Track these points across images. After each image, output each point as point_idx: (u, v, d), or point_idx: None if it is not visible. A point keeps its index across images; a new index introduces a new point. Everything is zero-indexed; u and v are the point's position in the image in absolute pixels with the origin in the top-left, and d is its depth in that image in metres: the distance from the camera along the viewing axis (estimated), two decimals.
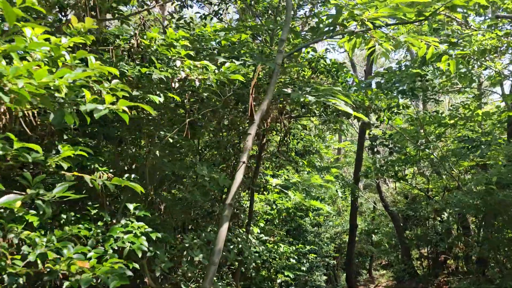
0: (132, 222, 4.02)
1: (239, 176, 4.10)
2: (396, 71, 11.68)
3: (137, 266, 3.70)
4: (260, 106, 4.37)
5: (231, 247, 5.19)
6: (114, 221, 4.15)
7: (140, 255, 3.66)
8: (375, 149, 13.01)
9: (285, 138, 7.20)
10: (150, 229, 4.10)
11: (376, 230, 22.70)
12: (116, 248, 3.66)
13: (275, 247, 7.78)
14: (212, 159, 7.56)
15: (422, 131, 13.72)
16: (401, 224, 19.62)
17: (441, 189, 18.27)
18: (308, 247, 8.35)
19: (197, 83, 3.96)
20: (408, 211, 18.83)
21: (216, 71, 4.02)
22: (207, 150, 7.55)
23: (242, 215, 7.20)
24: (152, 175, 5.05)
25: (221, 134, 6.53)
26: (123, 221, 4.04)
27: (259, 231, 7.00)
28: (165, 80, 3.95)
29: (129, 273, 3.47)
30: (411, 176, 17.91)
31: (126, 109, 2.37)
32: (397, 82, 11.64)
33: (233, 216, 6.99)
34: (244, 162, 4.16)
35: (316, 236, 17.44)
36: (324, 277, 18.40)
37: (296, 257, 8.63)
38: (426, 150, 13.28)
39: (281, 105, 6.44)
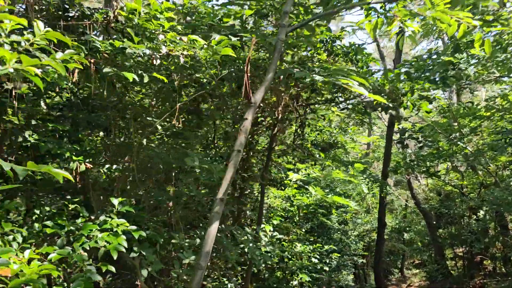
0: (112, 218, 3.51)
1: (232, 167, 3.51)
2: (426, 60, 10.76)
3: (112, 268, 3.18)
4: (260, 87, 3.76)
5: (234, 247, 4.62)
6: (93, 217, 3.66)
7: (115, 257, 3.14)
8: (405, 143, 12.13)
9: (300, 129, 6.53)
10: (134, 227, 3.58)
11: (408, 228, 21.60)
12: (88, 248, 3.16)
13: (291, 246, 7.13)
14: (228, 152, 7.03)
15: (455, 123, 12.70)
16: (434, 222, 18.50)
17: (476, 186, 17.05)
18: (326, 247, 7.66)
19: (182, 60, 3.41)
20: (441, 208, 17.71)
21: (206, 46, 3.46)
22: (220, 141, 7.01)
23: (249, 212, 6.60)
24: (146, 168, 4.56)
25: (228, 122, 5.95)
26: (102, 218, 3.53)
27: (272, 229, 6.38)
28: (144, 57, 3.43)
29: (98, 277, 2.96)
30: (444, 172, 16.77)
31: (37, 71, 1.84)
32: (427, 71, 10.73)
33: (239, 213, 6.43)
34: (239, 151, 3.57)
35: (343, 234, 16.63)
36: (351, 276, 17.58)
37: (318, 256, 7.96)
38: (460, 143, 12.27)
39: (294, 91, 5.79)
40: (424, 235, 21.64)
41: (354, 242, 17.87)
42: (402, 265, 25.39)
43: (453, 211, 17.71)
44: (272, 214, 7.45)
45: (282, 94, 5.50)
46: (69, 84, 3.42)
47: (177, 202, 4.51)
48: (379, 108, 13.08)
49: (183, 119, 5.99)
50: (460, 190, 16.37)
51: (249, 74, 3.48)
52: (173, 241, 3.96)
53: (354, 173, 9.48)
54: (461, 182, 15.87)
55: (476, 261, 16.87)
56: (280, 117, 5.72)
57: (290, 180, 9.68)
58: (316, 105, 6.66)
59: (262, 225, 6.40)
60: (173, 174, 4.82)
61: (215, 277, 5.18)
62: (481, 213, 15.79)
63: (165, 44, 3.39)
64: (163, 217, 4.71)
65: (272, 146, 5.89)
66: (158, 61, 3.40)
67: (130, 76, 3.04)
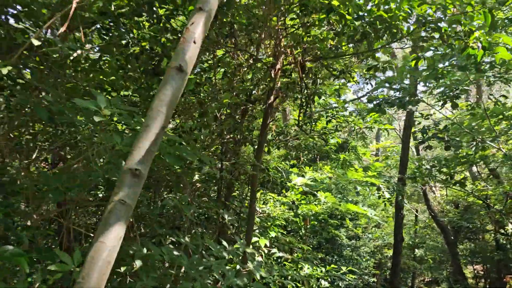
0: None
1: (165, 100, 1.49)
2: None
3: None
4: None
5: (202, 273, 2.62)
6: None
7: None
8: (427, 144, 10.03)
9: (308, 106, 4.53)
10: None
11: (422, 244, 19.28)
12: None
13: (295, 267, 5.00)
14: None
15: (486, 123, 10.63)
16: (452, 238, 16.23)
17: (501, 196, 14.84)
18: (344, 269, 5.52)
19: None
20: (461, 221, 15.48)
21: None
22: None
23: (235, 222, 4.50)
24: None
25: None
26: None
27: (267, 244, 4.34)
28: None
29: None
30: (463, 180, 14.57)
31: None
32: (457, 55, 8.75)
33: (223, 223, 4.36)
34: (180, 70, 1.55)
35: (354, 250, 14.43)
36: None
37: (329, 279, 5.83)
38: (492, 145, 10.16)
39: (298, 46, 3.83)
40: (439, 251, 19.35)
41: (365, 260, 15.65)
42: (413, 283, 22.99)
43: (475, 225, 15.46)
44: (269, 224, 5.36)
45: (285, 45, 3.52)
46: None
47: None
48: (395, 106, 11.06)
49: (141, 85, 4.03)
50: (485, 201, 14.15)
51: None
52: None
53: (374, 174, 7.42)
54: (486, 192, 13.65)
55: (505, 281, 14.53)
56: (278, 77, 3.75)
57: (294, 185, 7.63)
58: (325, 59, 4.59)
59: (255, 239, 4.37)
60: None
61: None
62: (510, 227, 13.54)
63: None
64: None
65: (267, 122, 3.89)
66: None
67: None
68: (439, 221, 16.32)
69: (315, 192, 7.58)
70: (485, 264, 15.31)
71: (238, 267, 3.51)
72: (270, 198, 7.26)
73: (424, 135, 9.97)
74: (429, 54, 9.85)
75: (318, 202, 7.62)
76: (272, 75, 3.71)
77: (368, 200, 19.85)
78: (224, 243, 3.10)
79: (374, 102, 10.62)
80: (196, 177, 4.25)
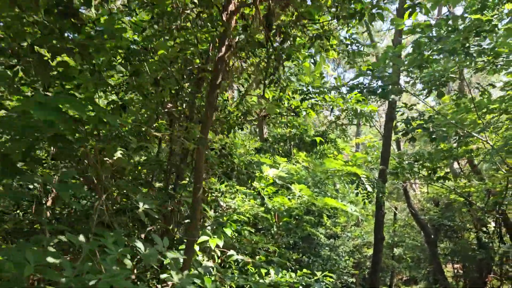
0: None
1: None
2: (442, 24, 7.94)
3: None
4: None
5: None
6: None
7: None
8: (410, 136, 9.17)
9: (274, 69, 3.50)
10: None
11: (402, 243, 18.54)
12: None
13: (255, 273, 3.91)
14: None
15: (470, 116, 9.84)
16: (432, 236, 15.48)
17: (483, 194, 14.14)
18: (319, 274, 4.48)
19: None
20: (442, 219, 14.73)
21: None
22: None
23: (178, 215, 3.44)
24: None
25: None
26: None
27: (220, 244, 3.29)
28: None
29: None
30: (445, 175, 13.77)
31: None
32: (445, 38, 7.90)
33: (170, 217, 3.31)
34: None
35: (333, 250, 13.52)
36: None
37: (301, 286, 4.81)
38: (478, 137, 9.37)
39: None
40: (418, 250, 18.66)
41: (344, 259, 14.77)
42: (391, 282, 22.37)
43: (456, 223, 14.75)
44: (226, 218, 4.28)
45: None
46: None
47: None
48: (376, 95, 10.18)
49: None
50: (467, 198, 13.41)
51: None
52: None
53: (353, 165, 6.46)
54: (468, 189, 12.90)
55: (486, 281, 13.83)
56: (232, 22, 2.71)
57: (266, 177, 6.63)
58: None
59: (204, 237, 3.31)
60: None
61: None
62: (492, 225, 12.85)
63: None
64: None
65: (217, 81, 2.82)
66: None
67: None
68: (420, 219, 15.57)
69: (289, 185, 6.59)
70: (466, 263, 14.61)
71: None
72: (239, 192, 6.22)
73: (408, 126, 9.11)
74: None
75: (292, 196, 6.63)
76: (224, 18, 2.69)
77: (348, 197, 19.03)
78: (139, 244, 2.06)
79: (355, 91, 9.72)
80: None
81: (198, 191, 2.81)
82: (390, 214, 23.28)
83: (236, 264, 3.99)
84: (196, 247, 3.45)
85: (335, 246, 12.96)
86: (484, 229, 12.87)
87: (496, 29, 7.43)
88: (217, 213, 5.68)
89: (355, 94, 5.02)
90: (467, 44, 7.74)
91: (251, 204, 6.25)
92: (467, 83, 8.85)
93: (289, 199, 6.44)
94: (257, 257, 4.56)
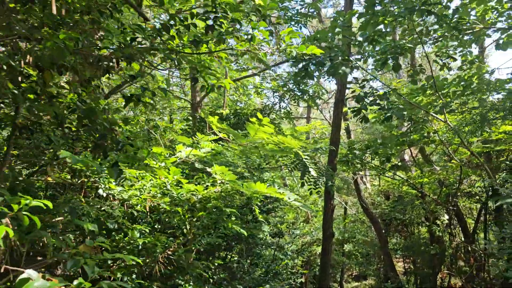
0: None
1: None
2: None
3: None
4: None
5: None
6: None
7: None
8: (362, 115, 7.63)
9: None
10: None
11: (353, 239, 17.25)
12: None
13: None
14: None
15: (426, 99, 8.50)
16: (384, 231, 14.25)
17: (436, 185, 13.05)
18: None
19: None
20: (394, 213, 13.50)
21: None
22: None
23: None
24: None
25: None
26: None
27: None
28: None
29: None
30: (399, 163, 12.50)
31: None
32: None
33: None
34: None
35: (278, 249, 11.85)
36: None
37: None
38: (437, 118, 8.03)
39: None
40: (369, 245, 17.48)
41: (291, 259, 13.16)
42: (341, 278, 21.19)
43: (409, 216, 13.57)
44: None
45: None
46: None
47: None
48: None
49: None
50: (419, 190, 12.22)
51: None
52: None
53: (299, 138, 4.77)
54: (421, 180, 11.69)
55: (441, 277, 12.71)
56: None
57: (178, 158, 4.77)
58: None
59: None
60: None
61: None
62: (445, 218, 11.70)
63: None
64: None
65: None
66: None
67: None
68: (370, 214, 14.27)
69: (208, 169, 4.77)
70: (418, 259, 13.45)
71: None
72: (132, 176, 4.31)
73: (361, 103, 7.56)
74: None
75: (212, 182, 4.79)
76: None
77: (297, 192, 17.49)
78: None
79: (300, 65, 8.08)
80: None
81: None
82: (341, 210, 22.10)
83: None
84: None
85: (279, 246, 11.29)
86: (438, 222, 11.70)
87: None
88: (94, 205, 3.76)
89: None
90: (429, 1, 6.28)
91: (152, 194, 4.35)
92: (426, 54, 7.44)
93: (206, 187, 4.60)
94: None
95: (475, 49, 20.11)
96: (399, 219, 13.77)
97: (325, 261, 9.71)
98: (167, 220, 4.44)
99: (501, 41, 7.37)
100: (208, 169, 4.57)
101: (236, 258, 7.72)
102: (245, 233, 4.55)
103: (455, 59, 7.79)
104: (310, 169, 5.29)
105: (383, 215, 14.45)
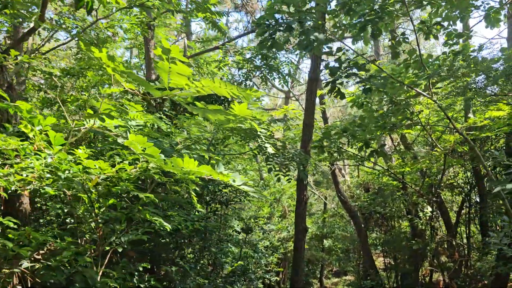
0: None
1: None
2: None
3: None
4: None
5: None
6: None
7: None
8: (337, 89, 6.40)
9: None
10: None
11: (332, 234, 16.11)
12: None
13: None
14: None
15: (410, 75, 7.35)
16: (363, 226, 13.16)
17: (417, 176, 11.99)
18: None
19: None
20: (374, 206, 12.39)
21: None
22: None
23: None
24: None
25: None
26: None
27: None
28: None
29: None
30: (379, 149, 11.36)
31: None
32: None
33: None
34: None
35: (249, 246, 10.58)
36: None
37: None
38: (423, 94, 6.87)
39: None
40: (348, 240, 16.41)
41: (265, 256, 11.92)
42: (321, 274, 20.21)
43: (390, 209, 12.48)
44: None
45: None
46: None
47: None
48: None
49: None
50: (400, 180, 11.12)
51: None
52: None
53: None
54: (403, 169, 10.59)
55: (424, 274, 11.67)
56: None
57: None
58: None
59: None
60: None
61: None
62: (428, 210, 10.63)
63: None
64: None
65: None
66: None
67: None
68: (350, 207, 13.13)
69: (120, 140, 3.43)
70: (399, 254, 12.38)
71: None
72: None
73: (336, 73, 6.32)
74: None
75: (133, 160, 3.48)
76: None
77: (274, 187, 16.24)
78: None
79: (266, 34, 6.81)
80: None
81: None
82: (321, 205, 21.01)
83: None
84: None
85: (249, 242, 10.01)
86: (421, 214, 10.61)
87: None
88: None
89: None
90: None
91: (39, 174, 3.01)
92: (411, 19, 6.26)
93: (131, 164, 3.26)
94: None
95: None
96: (379, 213, 12.68)
97: (298, 258, 8.47)
98: (59, 211, 3.10)
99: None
100: (120, 140, 3.25)
101: (190, 258, 6.41)
102: (169, 227, 3.24)
103: (443, 26, 6.63)
104: (267, 145, 4.06)
105: (362, 208, 13.34)
